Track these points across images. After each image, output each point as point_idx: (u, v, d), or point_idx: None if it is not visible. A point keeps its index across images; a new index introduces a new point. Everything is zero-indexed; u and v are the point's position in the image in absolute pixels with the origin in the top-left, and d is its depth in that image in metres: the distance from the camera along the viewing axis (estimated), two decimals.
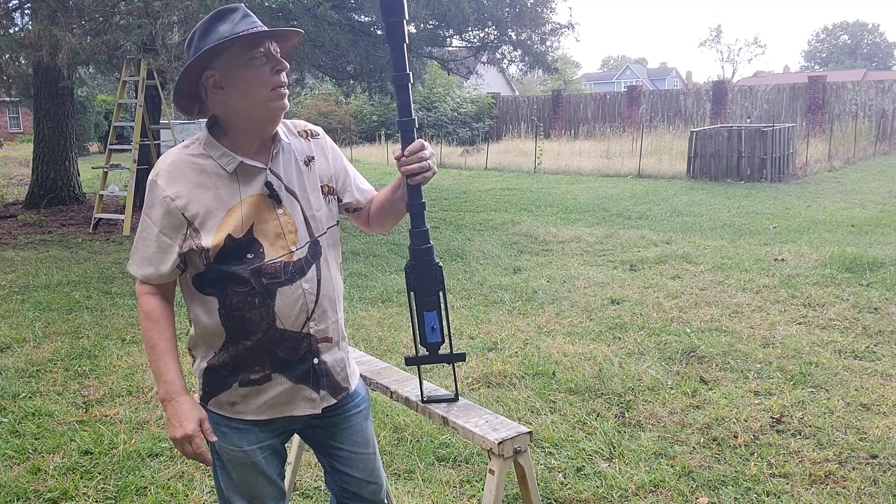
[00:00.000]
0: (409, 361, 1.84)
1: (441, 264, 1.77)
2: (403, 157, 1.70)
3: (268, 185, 1.67)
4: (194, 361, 1.78)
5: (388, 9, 1.66)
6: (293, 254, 1.67)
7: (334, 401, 1.80)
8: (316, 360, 1.74)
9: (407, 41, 1.71)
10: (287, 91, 1.65)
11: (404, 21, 1.68)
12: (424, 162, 1.70)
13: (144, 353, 4.56)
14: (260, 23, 1.64)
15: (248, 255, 1.63)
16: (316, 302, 1.70)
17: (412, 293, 1.78)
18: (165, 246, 1.64)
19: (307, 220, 1.72)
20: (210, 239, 1.61)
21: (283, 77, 1.63)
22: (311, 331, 1.71)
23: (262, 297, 1.64)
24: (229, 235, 1.62)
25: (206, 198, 1.62)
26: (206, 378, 1.74)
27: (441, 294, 1.78)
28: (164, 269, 1.66)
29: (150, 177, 1.65)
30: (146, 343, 1.69)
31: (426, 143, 1.72)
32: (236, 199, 1.64)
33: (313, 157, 1.78)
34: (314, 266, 1.71)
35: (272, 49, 1.62)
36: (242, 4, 1.67)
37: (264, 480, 1.78)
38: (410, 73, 1.73)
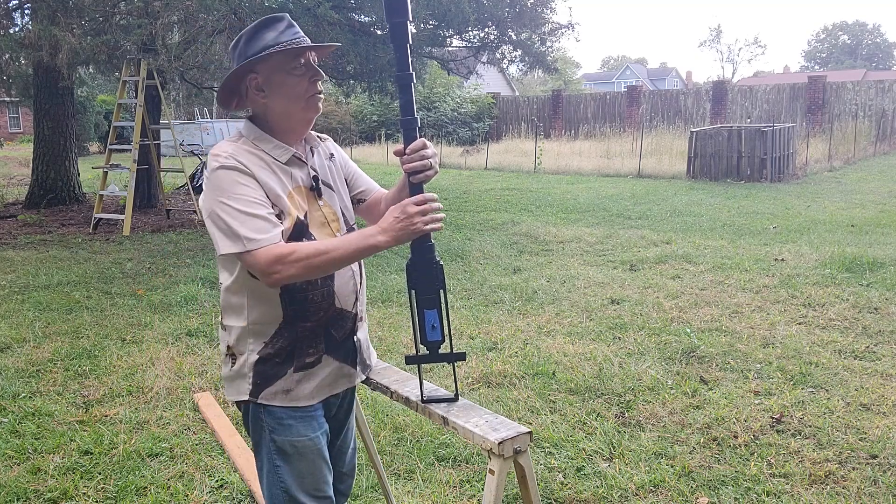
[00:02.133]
0: (410, 360, 1.84)
1: (442, 263, 1.77)
2: (405, 156, 1.72)
3: (314, 178, 1.80)
4: (235, 360, 1.78)
5: (392, 9, 1.69)
6: None
7: (363, 376, 1.94)
8: (356, 338, 1.87)
9: (410, 41, 1.72)
10: (322, 97, 1.79)
11: (408, 22, 1.70)
12: (426, 160, 1.71)
13: (141, 351, 4.57)
14: (303, 34, 1.78)
15: (304, 240, 1.71)
16: (360, 282, 1.86)
17: (412, 291, 1.78)
18: (271, 212, 1.66)
19: (343, 211, 1.87)
20: (285, 220, 1.68)
21: (320, 85, 1.77)
22: (357, 310, 1.85)
23: (323, 277, 1.73)
24: (298, 217, 1.72)
25: (273, 182, 1.70)
26: (258, 369, 1.75)
27: (441, 292, 1.78)
28: (280, 228, 1.65)
29: (218, 162, 1.65)
30: (336, 259, 1.64)
31: (428, 143, 1.73)
32: (289, 187, 1.74)
33: (333, 154, 1.93)
34: None
35: (312, 59, 1.76)
36: (287, 15, 1.78)
37: (325, 466, 1.82)
38: (413, 73, 1.74)
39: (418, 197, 1.68)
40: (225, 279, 1.77)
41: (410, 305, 1.80)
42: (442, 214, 1.71)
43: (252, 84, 1.74)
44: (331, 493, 1.84)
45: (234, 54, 1.77)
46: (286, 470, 1.76)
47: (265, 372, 1.75)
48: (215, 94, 15.54)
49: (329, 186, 1.85)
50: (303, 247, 1.63)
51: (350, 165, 1.98)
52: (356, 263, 1.82)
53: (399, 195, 1.86)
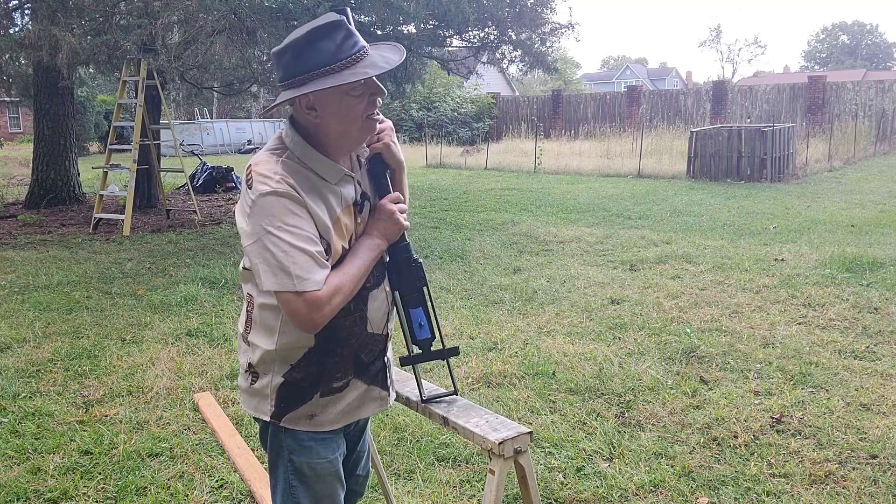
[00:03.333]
0: (405, 362, 1.84)
1: (420, 260, 1.78)
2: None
3: (363, 195, 1.69)
4: (256, 379, 1.68)
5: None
6: None
7: (394, 397, 1.84)
8: (385, 359, 1.78)
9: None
10: (379, 116, 1.65)
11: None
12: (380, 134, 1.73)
13: (141, 351, 4.57)
14: (362, 40, 1.57)
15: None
16: (391, 303, 1.76)
17: (395, 292, 1.78)
18: (322, 251, 1.55)
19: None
20: (330, 256, 1.58)
21: (379, 101, 1.62)
22: (388, 330, 1.76)
23: (356, 302, 1.64)
24: (344, 248, 1.62)
25: (322, 211, 1.57)
26: (282, 393, 1.66)
27: (425, 289, 1.79)
28: (327, 271, 1.55)
29: (270, 187, 1.50)
30: (358, 276, 1.60)
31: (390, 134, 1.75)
32: (338, 209, 1.61)
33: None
34: (384, 268, 1.74)
35: (373, 76, 1.56)
36: (345, 19, 1.55)
37: (340, 486, 1.76)
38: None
39: (391, 196, 1.71)
40: (258, 295, 1.64)
41: (395, 307, 1.80)
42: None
43: (302, 102, 1.56)
44: None
45: (281, 63, 1.55)
46: (302, 490, 1.71)
47: (289, 396, 1.66)
48: (215, 93, 15.55)
49: (367, 199, 1.72)
50: (342, 286, 1.55)
51: None
52: (387, 284, 1.74)
53: None
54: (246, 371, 1.71)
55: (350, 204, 1.65)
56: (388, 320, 1.75)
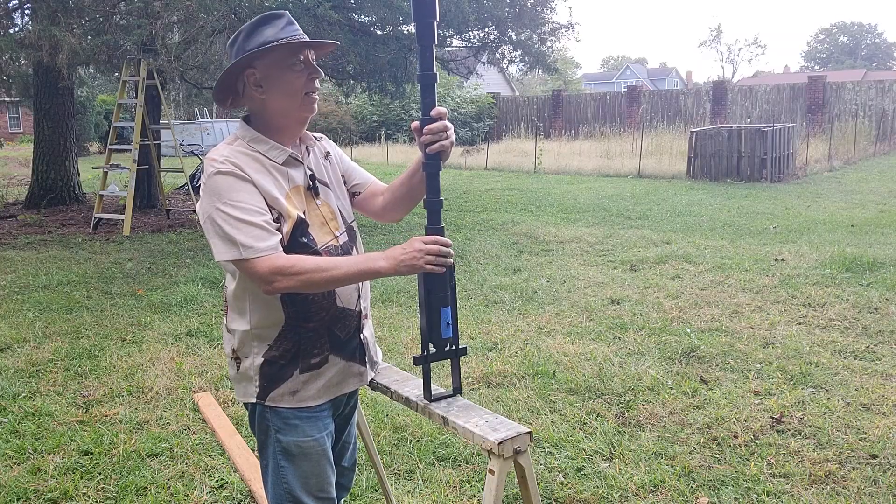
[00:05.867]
0: (418, 361, 1.82)
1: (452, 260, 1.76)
2: (424, 136, 1.70)
3: (311, 177, 1.80)
4: (240, 363, 1.78)
5: (420, 10, 1.68)
6: (338, 238, 1.80)
7: (373, 374, 1.94)
8: (361, 336, 1.86)
9: (436, 41, 1.72)
10: (318, 97, 1.79)
11: (435, 22, 1.69)
12: (442, 133, 1.71)
13: (141, 351, 4.57)
14: (302, 31, 1.76)
15: (303, 240, 1.71)
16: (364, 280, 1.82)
17: (428, 290, 1.76)
18: (269, 219, 1.64)
19: (340, 209, 1.85)
20: (284, 223, 1.68)
21: (317, 84, 1.76)
22: (360, 307, 1.84)
23: None
24: (299, 216, 1.71)
25: (270, 185, 1.69)
26: (264, 372, 1.75)
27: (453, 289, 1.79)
28: (277, 237, 1.64)
29: (215, 167, 1.65)
30: (335, 277, 1.63)
31: (448, 124, 1.73)
32: (286, 188, 1.74)
33: (329, 153, 1.93)
34: (353, 248, 1.84)
35: (311, 57, 1.75)
36: (287, 12, 1.76)
37: (329, 467, 1.82)
38: (437, 73, 1.73)
39: (430, 238, 1.67)
40: (229, 282, 1.77)
41: (421, 306, 1.79)
42: (450, 260, 1.69)
43: (250, 80, 1.72)
44: (333, 493, 1.84)
45: (233, 50, 1.75)
46: (290, 471, 1.76)
47: (271, 374, 1.74)
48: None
49: (326, 185, 1.84)
50: (304, 261, 1.62)
51: (345, 161, 1.97)
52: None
53: (409, 180, 1.87)
54: (231, 358, 1.80)
55: (299, 186, 1.76)
56: (359, 297, 1.83)
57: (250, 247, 1.60)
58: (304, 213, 1.74)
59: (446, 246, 1.68)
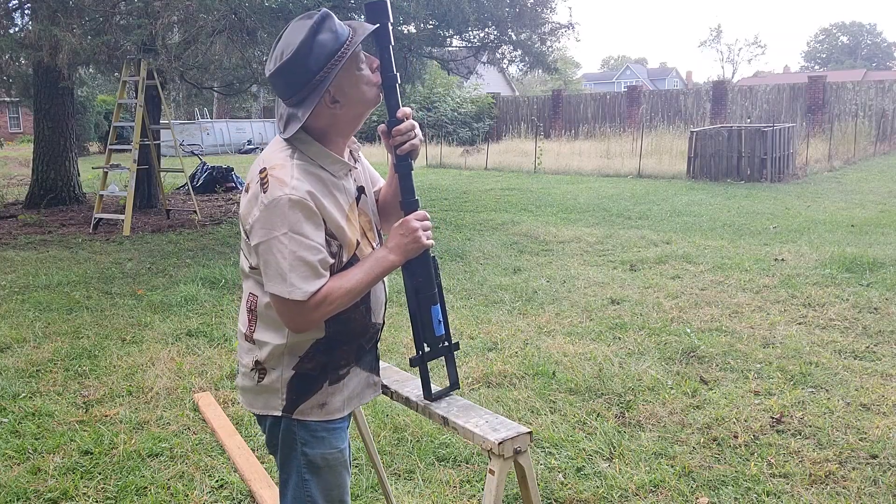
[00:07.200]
0: (415, 362, 1.83)
1: (435, 256, 1.78)
2: (392, 138, 1.69)
3: (360, 188, 1.73)
4: (264, 375, 1.69)
5: (373, 12, 1.64)
6: (374, 248, 1.75)
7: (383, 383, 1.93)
8: (377, 347, 1.86)
9: (392, 43, 1.70)
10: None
11: (389, 24, 1.66)
12: (409, 132, 1.69)
13: (141, 351, 4.57)
14: (340, 23, 1.62)
15: (354, 259, 1.67)
16: (386, 292, 1.83)
17: (415, 291, 1.77)
18: (325, 258, 1.58)
19: (373, 215, 1.80)
20: (345, 252, 1.64)
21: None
22: (384, 319, 1.84)
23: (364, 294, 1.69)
24: (357, 241, 1.67)
25: (334, 209, 1.61)
26: (293, 385, 1.68)
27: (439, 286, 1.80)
28: (325, 280, 1.59)
29: (285, 193, 1.53)
30: (363, 289, 1.63)
31: (414, 123, 1.71)
32: (346, 207, 1.66)
33: (360, 154, 1.84)
34: None
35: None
36: (325, 10, 1.63)
37: (349, 477, 1.81)
38: (398, 74, 1.72)
39: (419, 213, 1.69)
40: (265, 294, 1.64)
41: (410, 307, 1.79)
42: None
43: (326, 99, 1.59)
44: (350, 502, 1.86)
45: (291, 72, 1.56)
46: (314, 483, 1.72)
47: (301, 387, 1.68)
48: (215, 93, 15.53)
49: (364, 193, 1.76)
50: (332, 297, 1.57)
51: (365, 161, 1.89)
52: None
53: (389, 189, 1.83)
54: (252, 369, 1.70)
55: (353, 201, 1.70)
56: (384, 309, 1.83)
57: (298, 288, 1.54)
58: (361, 233, 1.69)
59: (427, 218, 1.71)
